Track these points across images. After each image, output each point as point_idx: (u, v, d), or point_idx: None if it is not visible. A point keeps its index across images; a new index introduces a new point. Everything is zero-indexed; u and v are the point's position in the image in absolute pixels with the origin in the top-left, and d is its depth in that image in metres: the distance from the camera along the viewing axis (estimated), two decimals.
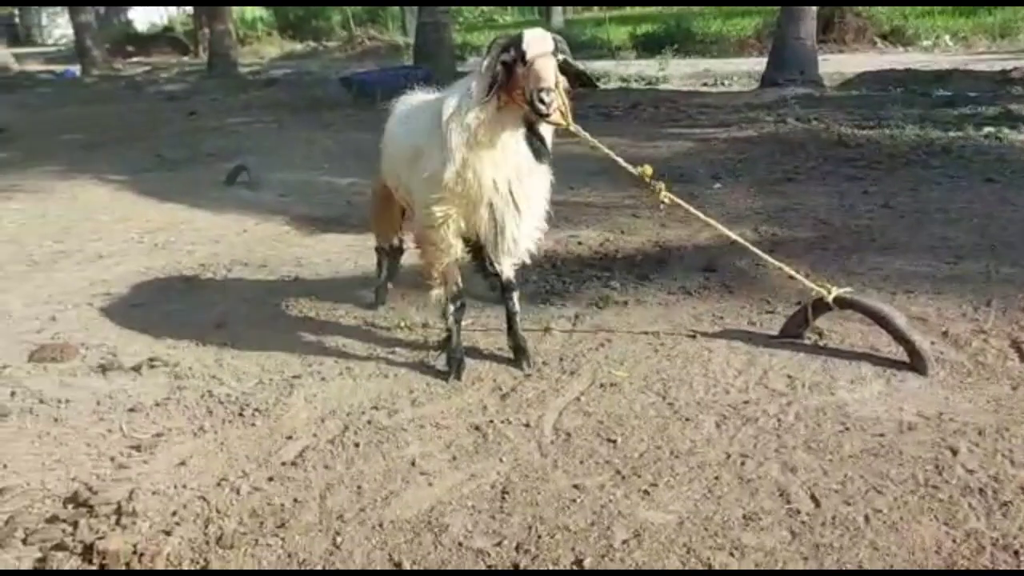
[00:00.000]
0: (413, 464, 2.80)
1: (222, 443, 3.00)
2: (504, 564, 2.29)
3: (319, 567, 2.33)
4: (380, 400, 3.26)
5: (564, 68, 2.99)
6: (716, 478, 2.62)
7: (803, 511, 2.43)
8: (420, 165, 3.21)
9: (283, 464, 2.84)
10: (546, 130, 3.10)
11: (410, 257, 4.28)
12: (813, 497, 2.50)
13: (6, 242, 5.99)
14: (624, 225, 5.58)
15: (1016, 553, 2.22)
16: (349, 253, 5.34)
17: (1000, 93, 10.21)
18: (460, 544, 2.37)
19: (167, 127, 11.53)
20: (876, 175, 6.57)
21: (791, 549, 2.28)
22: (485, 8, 33.15)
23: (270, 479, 2.75)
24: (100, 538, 2.43)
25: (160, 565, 2.35)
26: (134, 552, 2.37)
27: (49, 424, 3.20)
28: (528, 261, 3.47)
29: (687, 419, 3.00)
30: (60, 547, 2.42)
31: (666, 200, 3.43)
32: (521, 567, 2.27)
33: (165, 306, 4.51)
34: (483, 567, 2.29)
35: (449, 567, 2.30)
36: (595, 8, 30.56)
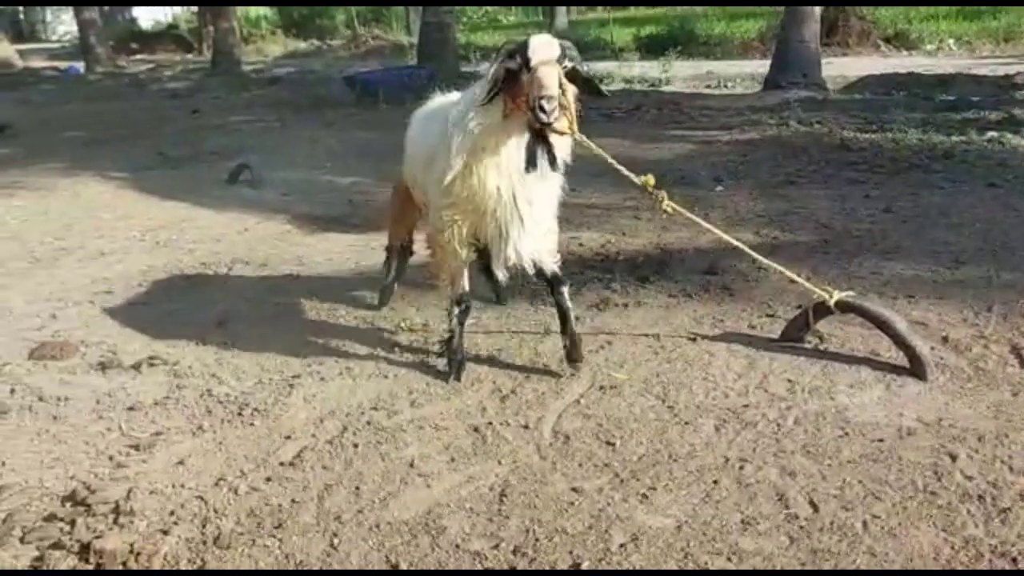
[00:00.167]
0: (411, 465, 2.80)
1: (220, 443, 3.00)
2: (501, 566, 2.29)
3: (316, 568, 2.32)
4: (379, 401, 3.26)
5: (572, 75, 2.94)
6: (715, 482, 2.62)
7: (801, 516, 2.43)
8: (434, 167, 3.22)
9: (281, 464, 2.84)
10: (560, 139, 3.02)
11: (413, 257, 4.30)
12: (811, 502, 2.49)
13: (8, 239, 6.00)
14: (625, 227, 5.57)
15: (1014, 560, 2.21)
16: (350, 253, 5.35)
17: (1003, 98, 10.20)
18: (457, 546, 2.37)
19: (170, 125, 11.54)
20: (878, 179, 6.56)
21: (789, 554, 2.28)
22: (489, 8, 33.18)
23: (268, 479, 2.75)
24: (97, 537, 2.43)
25: (157, 565, 2.35)
26: (131, 551, 2.37)
27: (48, 422, 3.21)
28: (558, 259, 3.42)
29: (686, 422, 2.99)
30: (57, 546, 2.42)
31: (668, 210, 3.42)
32: (518, 569, 2.27)
33: (166, 304, 4.52)
34: (480, 569, 2.29)
35: (446, 569, 2.29)
36: (599, 9, 30.55)
